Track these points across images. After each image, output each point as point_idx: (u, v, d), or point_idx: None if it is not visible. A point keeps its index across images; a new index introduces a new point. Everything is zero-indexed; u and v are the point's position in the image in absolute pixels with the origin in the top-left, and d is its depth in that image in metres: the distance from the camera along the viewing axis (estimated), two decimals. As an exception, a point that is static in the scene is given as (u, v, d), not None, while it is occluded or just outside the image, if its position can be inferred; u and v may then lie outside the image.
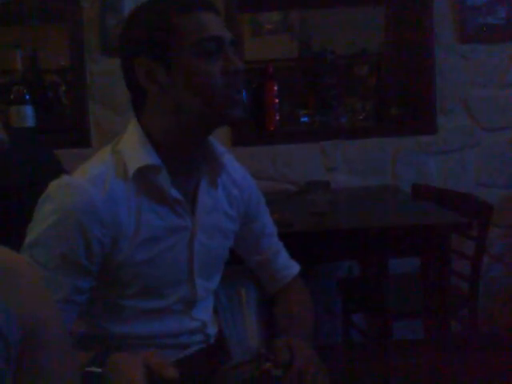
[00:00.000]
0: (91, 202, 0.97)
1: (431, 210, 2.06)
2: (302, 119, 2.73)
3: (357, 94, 2.84)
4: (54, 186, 0.99)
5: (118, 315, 1.08)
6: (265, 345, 1.14)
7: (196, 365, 1.14)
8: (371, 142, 2.64)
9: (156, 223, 1.05)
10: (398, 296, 2.12)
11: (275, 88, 2.66)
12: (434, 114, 2.63)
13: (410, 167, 2.63)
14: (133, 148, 1.03)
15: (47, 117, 2.34)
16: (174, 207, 1.06)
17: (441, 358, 1.90)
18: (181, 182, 1.06)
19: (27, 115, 2.12)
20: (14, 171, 0.93)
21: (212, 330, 1.19)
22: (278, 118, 2.67)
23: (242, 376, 0.99)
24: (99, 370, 0.89)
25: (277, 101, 2.66)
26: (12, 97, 2.20)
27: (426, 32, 2.62)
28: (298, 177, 2.57)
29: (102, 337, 1.09)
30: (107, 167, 1.02)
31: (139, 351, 0.95)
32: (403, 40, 2.79)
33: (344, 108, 2.76)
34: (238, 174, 1.21)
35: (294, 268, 1.29)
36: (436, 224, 1.88)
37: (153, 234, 1.04)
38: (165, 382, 0.88)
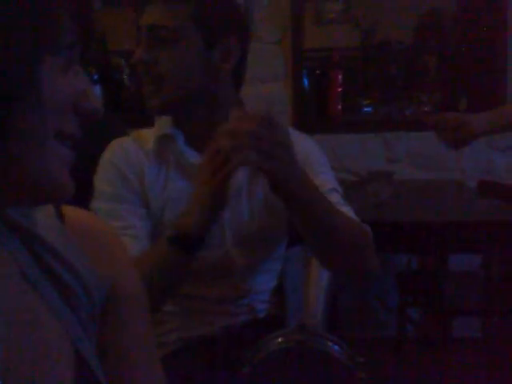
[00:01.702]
0: (124, 150, 1.13)
1: (497, 206, 1.99)
2: (365, 109, 2.69)
3: (423, 85, 2.76)
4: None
5: None
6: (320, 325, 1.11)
7: (241, 333, 1.15)
8: (436, 134, 2.56)
9: (181, 185, 1.12)
10: (457, 292, 2.06)
11: (339, 76, 2.63)
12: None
13: (476, 162, 2.55)
14: (160, 118, 1.16)
15: (113, 97, 2.40)
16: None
17: (499, 357, 1.84)
18: None
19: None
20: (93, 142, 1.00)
21: (260, 304, 1.20)
22: (340, 107, 2.63)
23: (275, 346, 0.97)
24: None
25: (340, 90, 2.63)
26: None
27: (497, 19, 2.51)
28: (358, 167, 2.53)
29: None
30: (149, 131, 1.17)
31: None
32: (473, 28, 2.69)
33: (409, 99, 2.70)
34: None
35: None
36: (500, 221, 1.82)
37: (179, 195, 1.11)
38: None
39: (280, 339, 0.96)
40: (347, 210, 1.14)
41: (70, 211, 0.58)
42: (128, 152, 1.13)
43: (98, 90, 2.20)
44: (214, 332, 1.15)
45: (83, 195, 1.25)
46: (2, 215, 0.51)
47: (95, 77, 2.21)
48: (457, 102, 2.70)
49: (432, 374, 1.92)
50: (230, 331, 1.16)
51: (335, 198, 1.12)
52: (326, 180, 1.16)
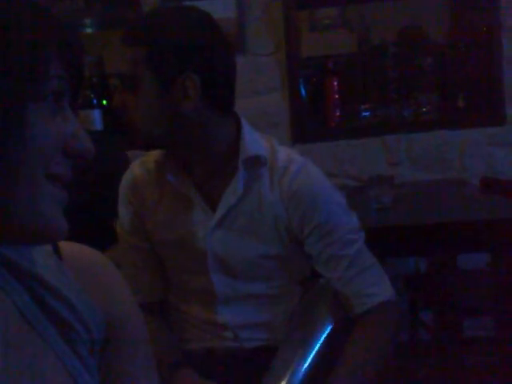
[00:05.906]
0: (132, 178, 1.20)
1: (501, 203, 1.98)
2: (364, 114, 2.69)
3: (420, 86, 2.77)
4: None
5: (173, 290, 1.23)
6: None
7: (224, 360, 1.18)
8: (436, 134, 2.56)
9: (172, 209, 1.17)
10: (468, 292, 2.05)
11: (335, 83, 2.64)
12: (502, 105, 2.52)
13: (478, 160, 2.54)
14: None
15: (112, 120, 2.40)
16: (186, 200, 1.15)
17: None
18: (202, 181, 1.14)
19: (95, 119, 2.20)
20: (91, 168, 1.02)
21: (245, 333, 1.18)
22: (338, 113, 2.64)
23: None
24: None
25: (337, 96, 2.64)
26: (80, 101, 2.28)
27: (492, 18, 2.52)
28: (359, 172, 2.53)
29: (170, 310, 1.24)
30: (152, 156, 1.19)
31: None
32: (468, 28, 2.70)
33: (407, 101, 2.70)
34: (293, 189, 1.12)
35: (371, 298, 1.11)
36: (506, 218, 1.81)
37: (170, 218, 1.16)
38: None
39: None
40: (357, 276, 1.11)
41: (68, 247, 0.58)
42: (134, 179, 1.20)
43: (97, 114, 2.21)
44: (208, 347, 1.20)
45: (92, 214, 1.32)
46: None
47: (94, 101, 2.22)
48: (455, 101, 2.70)
49: (446, 376, 1.91)
50: (217, 353, 1.20)
51: (343, 267, 1.11)
52: (331, 244, 1.12)
